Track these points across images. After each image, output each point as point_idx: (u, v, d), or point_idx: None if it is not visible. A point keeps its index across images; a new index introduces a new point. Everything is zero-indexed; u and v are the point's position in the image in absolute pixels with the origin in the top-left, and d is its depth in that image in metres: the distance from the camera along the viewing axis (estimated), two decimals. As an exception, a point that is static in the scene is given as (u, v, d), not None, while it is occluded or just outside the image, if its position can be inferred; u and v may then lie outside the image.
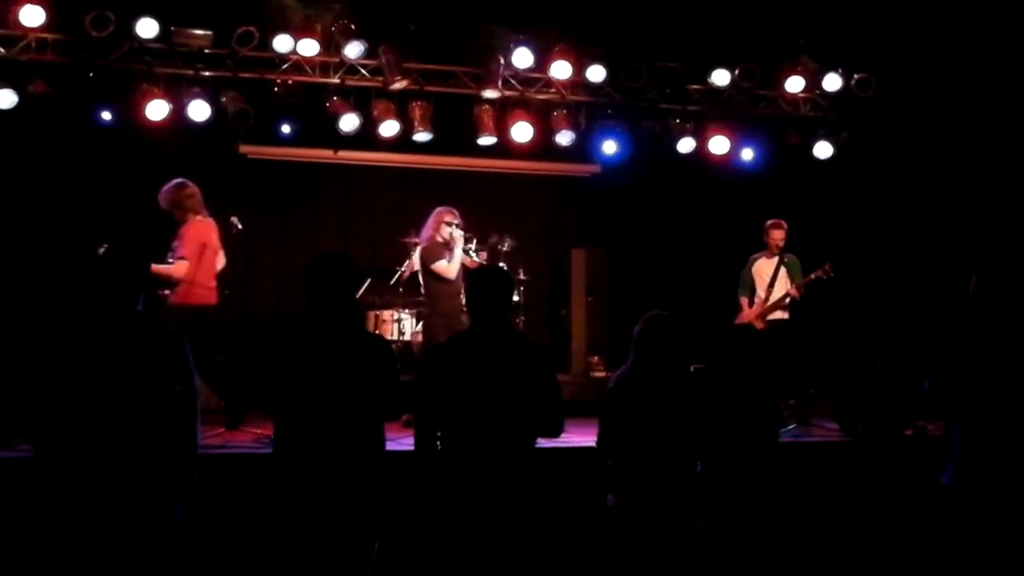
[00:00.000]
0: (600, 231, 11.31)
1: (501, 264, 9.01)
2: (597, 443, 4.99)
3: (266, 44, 8.94)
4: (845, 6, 9.96)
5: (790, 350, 8.79)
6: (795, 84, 10.11)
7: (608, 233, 11.33)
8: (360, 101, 9.46)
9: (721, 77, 9.95)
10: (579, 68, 9.61)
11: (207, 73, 9.02)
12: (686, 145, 10.18)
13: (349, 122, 9.37)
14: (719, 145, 10.19)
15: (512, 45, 9.44)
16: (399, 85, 9.39)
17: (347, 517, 4.25)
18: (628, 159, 10.32)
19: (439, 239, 8.14)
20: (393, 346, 6.30)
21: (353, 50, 9.15)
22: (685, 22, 9.94)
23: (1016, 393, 4.20)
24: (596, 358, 10.36)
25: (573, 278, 10.94)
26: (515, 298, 9.22)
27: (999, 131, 10.32)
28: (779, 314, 8.98)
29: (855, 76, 9.96)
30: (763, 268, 9.10)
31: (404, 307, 9.43)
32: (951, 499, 4.36)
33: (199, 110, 8.94)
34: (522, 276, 9.63)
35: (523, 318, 9.75)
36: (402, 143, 9.83)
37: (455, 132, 10.01)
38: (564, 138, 10.00)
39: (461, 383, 4.39)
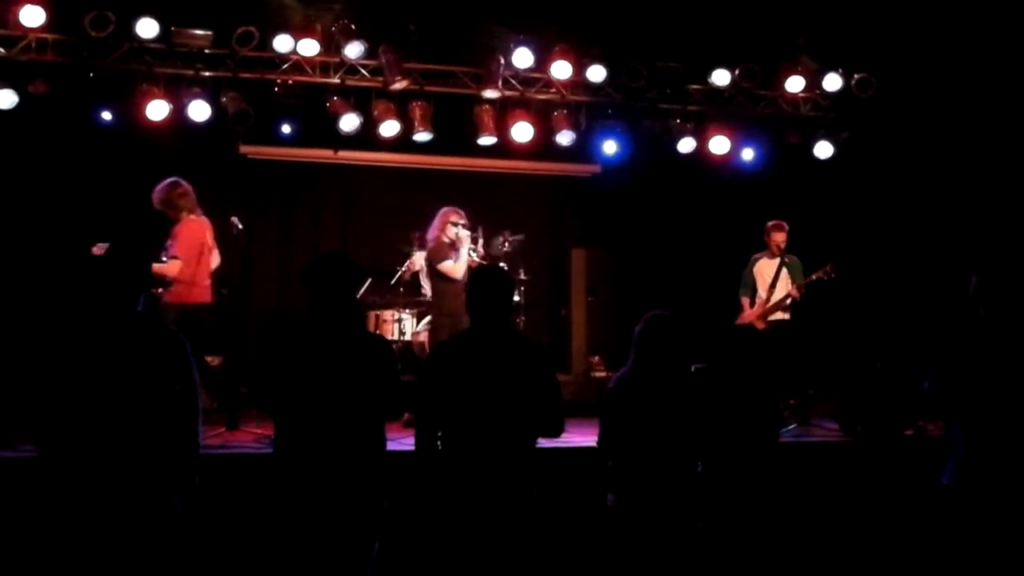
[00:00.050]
0: (600, 231, 11.30)
1: (501, 264, 9.01)
2: (598, 443, 4.99)
3: (266, 44, 8.94)
4: (845, 6, 9.96)
5: (791, 350, 8.79)
6: (795, 84, 10.11)
7: (608, 233, 11.32)
8: (360, 101, 9.46)
9: (721, 77, 9.95)
10: (579, 68, 9.61)
11: (207, 73, 9.02)
12: (686, 145, 10.18)
13: (349, 122, 9.37)
14: (719, 145, 10.19)
15: (512, 45, 9.45)
16: (399, 85, 9.39)
17: (347, 517, 4.25)
18: (628, 159, 10.32)
19: (445, 239, 8.15)
20: (394, 346, 6.29)
21: (353, 50, 9.15)
22: (685, 22, 9.94)
23: (1016, 393, 4.20)
24: (596, 358, 10.36)
25: (573, 278, 10.94)
26: (516, 298, 9.21)
27: (999, 131, 10.31)
28: (780, 315, 9.00)
29: (855, 76, 9.96)
30: (764, 269, 9.11)
31: (405, 307, 9.43)
32: (951, 499, 4.36)
33: (199, 110, 8.94)
34: (522, 276, 9.62)
35: (523, 318, 9.74)
36: (402, 143, 9.83)
37: (455, 132, 10.01)
38: (564, 138, 10.00)
39: (461, 383, 4.40)
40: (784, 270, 8.97)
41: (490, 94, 9.67)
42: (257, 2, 9.00)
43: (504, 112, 9.84)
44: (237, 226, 7.81)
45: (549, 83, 9.84)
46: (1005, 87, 10.13)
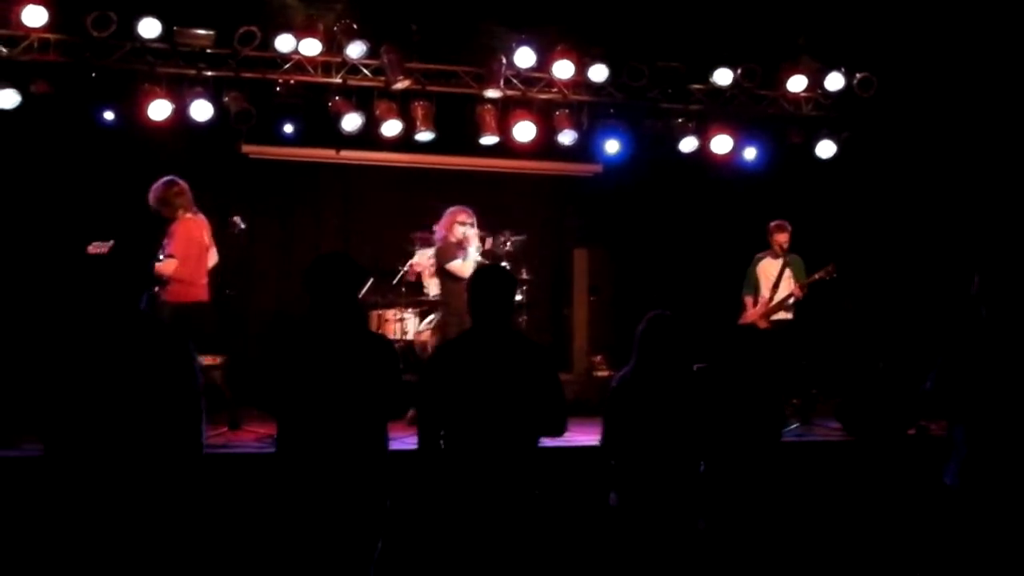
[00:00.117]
0: (602, 230, 11.30)
1: (504, 263, 9.01)
2: (600, 442, 4.99)
3: (268, 44, 8.95)
4: (846, 5, 9.96)
5: (793, 350, 8.79)
6: (797, 83, 10.11)
7: (610, 232, 11.33)
8: (362, 101, 9.46)
9: (723, 77, 9.95)
10: (581, 68, 9.61)
11: (209, 73, 9.02)
12: (688, 145, 10.19)
13: (351, 122, 9.37)
14: (721, 145, 10.19)
15: (514, 45, 9.44)
16: (401, 85, 9.39)
17: (350, 516, 4.25)
18: (630, 159, 10.33)
19: (452, 239, 8.16)
20: (396, 345, 6.29)
21: (355, 50, 9.16)
22: (687, 21, 9.93)
23: (1018, 392, 4.20)
24: (599, 357, 10.36)
25: (575, 277, 10.93)
26: (518, 298, 9.22)
27: (1001, 131, 10.31)
28: (783, 314, 9.00)
29: (857, 75, 9.96)
30: (767, 268, 9.11)
31: (407, 307, 9.44)
32: (954, 499, 4.36)
33: (201, 110, 8.94)
34: (525, 276, 9.62)
35: (526, 317, 9.75)
36: (404, 143, 9.82)
37: (457, 132, 10.00)
38: (566, 138, 10.00)
39: (463, 382, 4.40)
40: (787, 270, 8.98)
41: (492, 94, 9.67)
42: (259, 2, 9.01)
43: (506, 112, 9.84)
44: (239, 225, 7.81)
45: (551, 83, 9.84)
46: (1007, 86, 10.12)
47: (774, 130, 10.42)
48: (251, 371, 4.49)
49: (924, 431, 7.52)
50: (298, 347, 4.34)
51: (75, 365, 4.00)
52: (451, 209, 8.32)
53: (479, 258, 8.42)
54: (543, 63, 9.60)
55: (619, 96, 10.00)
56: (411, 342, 9.24)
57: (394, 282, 9.50)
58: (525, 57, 9.47)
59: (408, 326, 9.36)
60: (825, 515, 6.69)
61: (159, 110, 8.76)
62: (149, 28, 8.57)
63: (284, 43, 8.96)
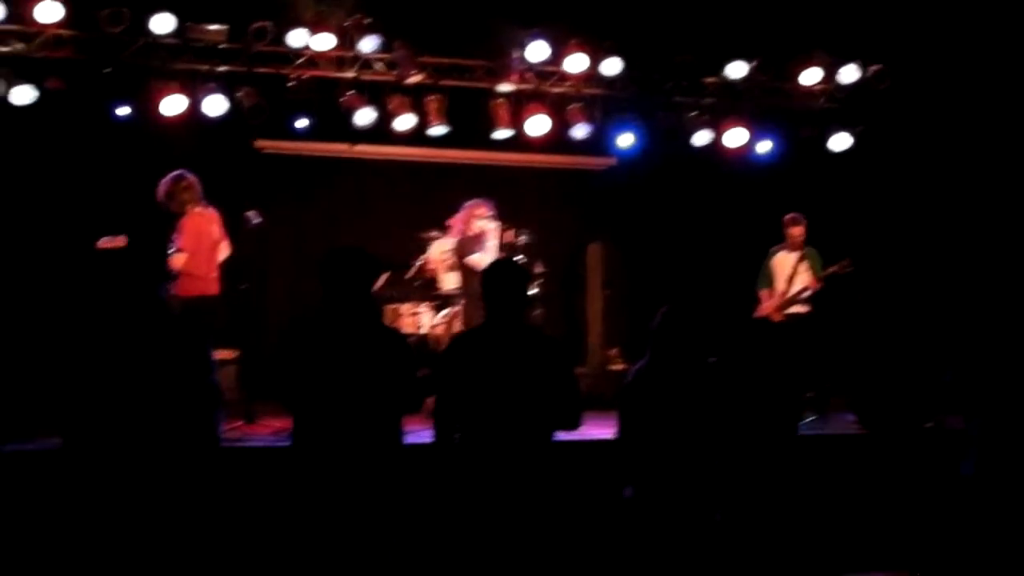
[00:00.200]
0: (616, 224, 11.30)
1: (518, 257, 9.00)
2: (615, 437, 4.98)
3: (281, 39, 8.95)
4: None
5: (808, 343, 8.75)
6: (811, 76, 10.07)
7: (624, 226, 11.32)
8: (375, 95, 9.46)
9: (736, 70, 9.93)
10: (594, 61, 9.59)
11: (222, 68, 9.04)
12: (701, 138, 10.17)
13: (364, 116, 9.37)
14: (735, 138, 10.17)
15: (527, 38, 9.43)
16: (414, 79, 9.39)
17: (365, 510, 4.26)
18: (644, 152, 10.32)
19: (471, 233, 8.16)
20: (410, 340, 6.29)
21: (368, 44, 9.16)
22: (700, 14, 9.91)
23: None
24: (614, 351, 10.35)
25: (589, 271, 10.91)
26: (532, 292, 9.21)
27: (1018, 124, 10.25)
28: (798, 308, 8.94)
29: (871, 68, 9.91)
30: (782, 261, 9.07)
31: (421, 301, 9.43)
32: (971, 490, 4.34)
33: (214, 105, 8.95)
34: (540, 269, 9.61)
35: (540, 311, 9.73)
36: (417, 137, 9.83)
37: (470, 126, 10.00)
38: (580, 131, 9.99)
39: (478, 376, 4.39)
40: (802, 263, 8.94)
41: (505, 87, 9.67)
42: (272, -3, 9.03)
43: (519, 106, 9.82)
44: (255, 220, 7.81)
45: (564, 76, 9.82)
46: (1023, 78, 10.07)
47: (788, 123, 10.39)
48: (269, 365, 4.50)
49: (941, 424, 7.49)
50: (312, 341, 4.35)
51: (96, 359, 4.02)
52: (470, 203, 8.34)
53: (498, 252, 8.42)
54: (556, 57, 9.58)
55: (633, 89, 9.98)
56: (425, 336, 9.24)
57: (408, 276, 9.50)
58: (538, 51, 9.45)
59: (423, 320, 9.35)
60: (841, 508, 6.68)
61: (173, 105, 8.78)
62: (162, 24, 8.58)
63: (297, 38, 8.96)
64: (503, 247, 9.00)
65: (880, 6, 9.90)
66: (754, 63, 9.86)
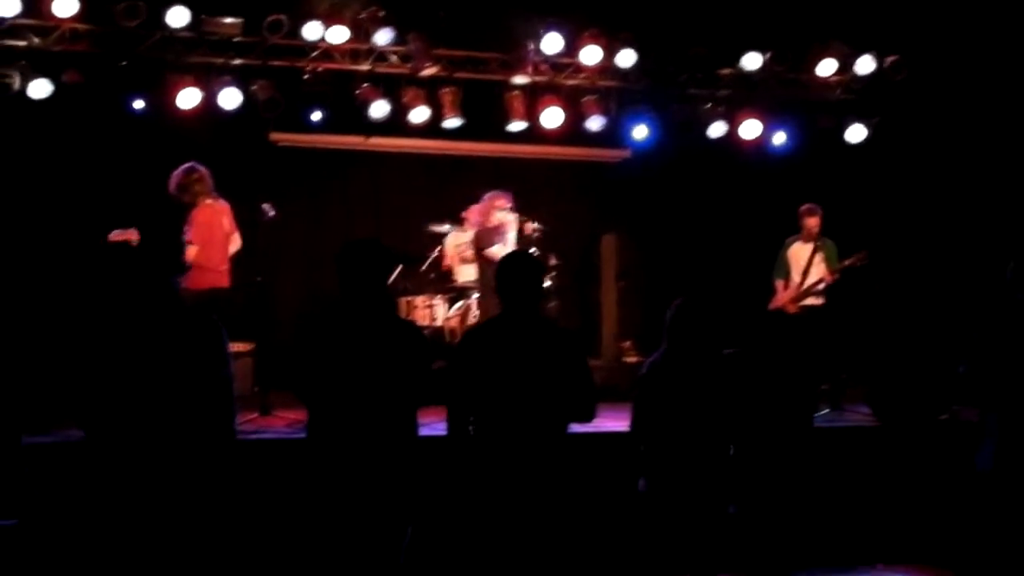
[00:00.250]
0: (631, 216, 11.29)
1: (532, 249, 9.00)
2: (630, 428, 4.98)
3: (296, 32, 8.97)
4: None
5: (823, 335, 8.72)
6: (827, 67, 10.03)
7: (639, 218, 11.32)
8: (390, 88, 9.48)
9: (752, 61, 9.90)
10: (609, 53, 9.58)
11: (237, 61, 9.07)
12: (717, 130, 10.15)
13: (379, 109, 9.39)
14: (750, 129, 10.15)
15: (542, 31, 9.41)
16: (429, 71, 9.39)
17: (380, 502, 4.26)
18: (658, 144, 10.31)
19: (490, 224, 8.17)
20: (424, 332, 6.30)
21: (383, 37, 9.17)
22: (715, 6, 9.88)
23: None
24: (628, 343, 10.35)
25: (604, 263, 10.89)
26: (546, 284, 9.21)
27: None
28: (813, 300, 8.90)
29: (887, 59, 9.87)
30: (798, 253, 9.02)
31: (436, 293, 9.44)
32: (986, 484, 4.33)
33: (230, 98, 8.98)
34: (554, 261, 9.61)
35: (555, 303, 9.73)
36: (432, 129, 9.84)
37: (485, 118, 10.01)
38: (595, 123, 9.99)
39: (492, 368, 4.38)
40: (818, 254, 8.89)
41: (520, 80, 9.67)
42: (286, -11, 9.04)
43: (534, 98, 9.84)
44: (270, 212, 7.82)
45: (579, 68, 9.82)
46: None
47: (804, 115, 10.36)
48: (285, 358, 4.52)
49: (956, 416, 7.47)
50: (327, 333, 4.36)
51: (115, 351, 4.03)
52: (489, 194, 8.34)
53: (516, 244, 8.43)
54: (571, 49, 9.57)
55: (647, 81, 9.96)
56: (440, 328, 9.25)
57: (422, 268, 9.51)
58: (553, 43, 9.44)
59: (437, 312, 9.36)
60: (856, 500, 6.67)
61: (188, 99, 8.82)
62: (178, 17, 8.60)
63: (312, 31, 8.98)
64: (520, 239, 9.00)
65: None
66: (769, 54, 9.83)
